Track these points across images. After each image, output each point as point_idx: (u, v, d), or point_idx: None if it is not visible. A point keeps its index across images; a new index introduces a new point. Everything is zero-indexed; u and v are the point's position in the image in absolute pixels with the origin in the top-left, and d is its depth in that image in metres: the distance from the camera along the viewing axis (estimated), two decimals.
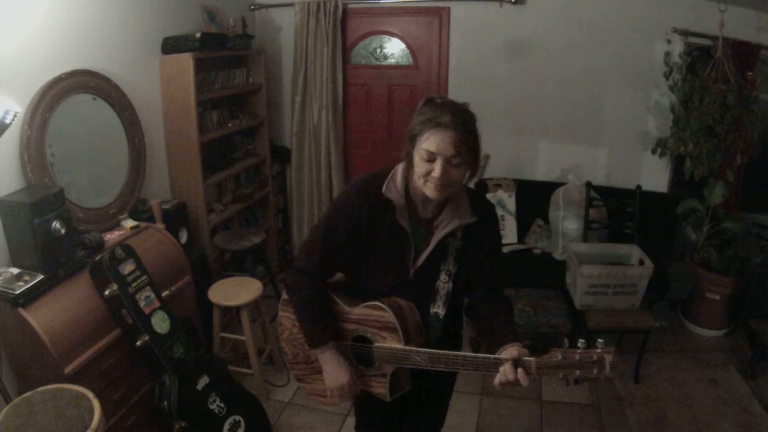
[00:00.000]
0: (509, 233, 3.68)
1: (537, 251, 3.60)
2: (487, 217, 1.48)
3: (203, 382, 2.26)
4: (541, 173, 3.91)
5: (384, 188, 1.42)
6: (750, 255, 3.33)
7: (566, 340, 1.26)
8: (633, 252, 3.14)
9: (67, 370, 1.94)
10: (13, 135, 2.13)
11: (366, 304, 1.48)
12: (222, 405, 2.30)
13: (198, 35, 3.01)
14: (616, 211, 3.49)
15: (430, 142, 1.29)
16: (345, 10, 3.81)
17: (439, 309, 1.48)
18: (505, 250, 3.61)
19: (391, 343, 1.44)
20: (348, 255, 1.49)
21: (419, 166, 1.33)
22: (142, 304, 2.15)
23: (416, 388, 1.59)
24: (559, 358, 1.22)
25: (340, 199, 1.52)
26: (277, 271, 4.20)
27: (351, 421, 2.67)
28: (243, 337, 2.75)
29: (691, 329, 3.46)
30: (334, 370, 1.52)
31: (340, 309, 1.54)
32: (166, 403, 2.13)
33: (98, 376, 2.07)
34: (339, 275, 1.64)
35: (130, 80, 2.75)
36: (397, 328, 1.42)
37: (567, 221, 3.48)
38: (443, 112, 1.30)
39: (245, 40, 3.60)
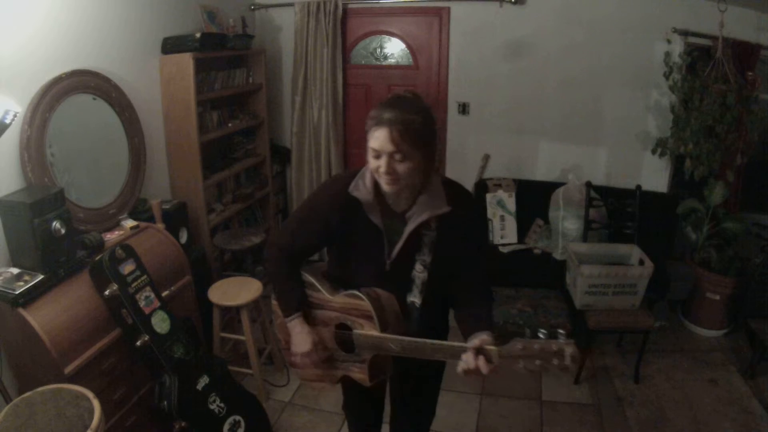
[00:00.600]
0: (509, 233, 3.68)
1: (537, 251, 3.60)
2: (462, 208, 1.48)
3: (203, 382, 2.26)
4: (541, 173, 3.91)
5: (351, 187, 1.48)
6: (750, 255, 3.33)
7: (528, 331, 1.28)
8: (633, 252, 3.14)
9: (67, 370, 1.94)
10: (13, 135, 2.13)
11: (346, 293, 1.54)
12: (222, 405, 2.30)
13: (198, 35, 3.01)
14: (616, 211, 3.49)
15: (373, 139, 1.37)
16: (345, 10, 3.81)
17: (415, 298, 1.51)
18: (504, 250, 3.61)
19: (369, 331, 1.48)
20: (320, 244, 1.62)
21: (371, 162, 1.41)
22: (142, 304, 2.15)
23: (403, 377, 1.64)
24: (520, 347, 1.24)
25: (315, 196, 1.61)
26: None
27: None
28: (243, 337, 2.75)
29: (691, 329, 3.46)
30: (299, 337, 1.59)
31: (323, 297, 1.59)
32: (166, 403, 2.13)
33: (98, 376, 2.07)
34: (323, 265, 1.71)
35: (130, 80, 2.75)
36: (374, 316, 1.46)
37: (567, 221, 3.48)
38: (386, 109, 1.35)
39: (245, 40, 3.60)
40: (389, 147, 1.33)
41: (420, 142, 1.35)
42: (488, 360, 1.28)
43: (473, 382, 2.95)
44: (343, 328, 1.57)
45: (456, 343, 1.35)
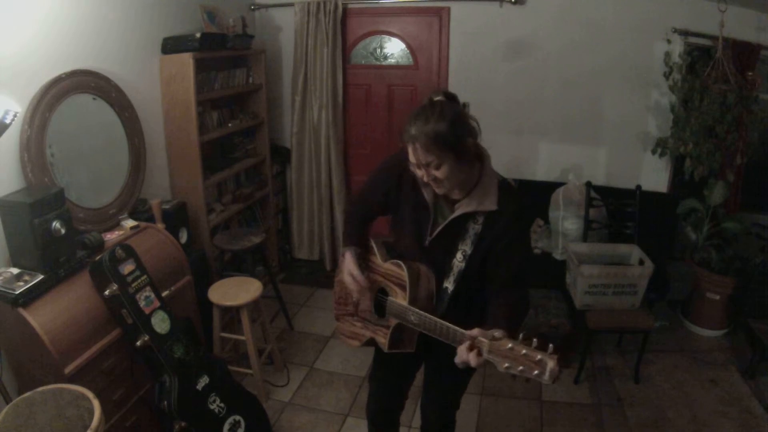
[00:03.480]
0: None
1: (537, 251, 3.60)
2: (509, 212, 1.54)
3: (203, 382, 2.26)
4: (541, 173, 3.91)
5: (412, 165, 1.55)
6: (750, 255, 3.33)
7: (521, 335, 1.28)
8: (633, 252, 3.14)
9: (67, 370, 1.94)
10: (13, 135, 2.13)
11: (392, 261, 1.66)
12: (222, 405, 2.30)
13: (198, 35, 3.01)
14: (616, 211, 3.48)
15: (410, 154, 1.47)
16: (345, 10, 3.81)
17: (449, 284, 1.60)
18: None
19: (400, 300, 1.59)
20: (379, 206, 1.76)
21: (415, 171, 1.51)
22: (142, 304, 2.15)
23: (430, 351, 1.72)
24: (509, 347, 1.26)
25: (383, 161, 1.77)
26: (277, 271, 4.20)
27: (351, 421, 2.68)
28: (243, 337, 2.76)
29: (691, 329, 3.46)
30: (347, 262, 1.74)
31: (376, 261, 1.75)
32: (166, 403, 2.13)
33: (98, 376, 2.07)
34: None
35: (130, 80, 2.75)
36: (407, 286, 1.56)
37: (567, 221, 3.48)
38: (413, 123, 1.44)
39: (245, 40, 3.60)
40: (424, 159, 1.44)
41: (449, 147, 1.42)
42: (479, 353, 1.31)
43: (474, 382, 2.94)
44: (382, 292, 1.70)
45: (457, 328, 1.41)
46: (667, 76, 3.33)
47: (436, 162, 1.43)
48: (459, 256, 1.57)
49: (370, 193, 1.79)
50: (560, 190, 3.56)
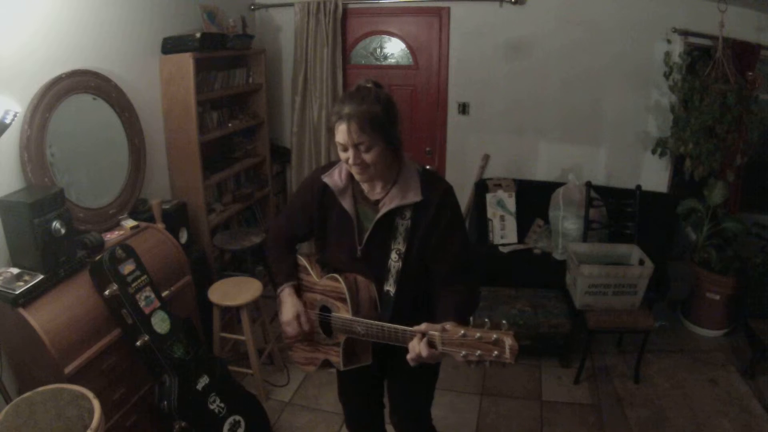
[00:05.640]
0: (509, 233, 3.68)
1: (537, 251, 3.60)
2: (435, 199, 1.50)
3: (203, 382, 2.26)
4: (541, 173, 3.91)
5: (325, 174, 1.57)
6: (750, 255, 3.33)
7: (471, 319, 1.25)
8: (633, 252, 3.14)
9: (67, 370, 1.94)
10: (13, 135, 2.13)
11: (328, 276, 1.59)
12: (222, 405, 2.30)
13: (198, 35, 3.01)
14: (616, 211, 3.48)
15: (337, 134, 1.43)
16: (345, 10, 3.81)
17: (390, 287, 1.53)
18: (504, 250, 3.61)
19: (343, 313, 1.52)
20: (306, 227, 1.68)
21: (341, 155, 1.47)
22: (142, 304, 2.15)
23: (388, 364, 1.67)
24: (461, 334, 1.22)
25: (300, 184, 1.74)
26: None
27: None
28: (243, 337, 2.76)
29: (691, 329, 3.46)
30: (284, 306, 1.66)
31: (311, 280, 1.67)
32: (166, 403, 2.13)
33: (98, 376, 2.07)
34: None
35: (130, 80, 2.75)
36: (347, 298, 1.50)
37: (567, 221, 3.48)
38: (343, 103, 1.42)
39: (245, 40, 3.61)
40: (353, 139, 1.40)
41: (381, 130, 1.41)
42: (431, 346, 1.28)
43: (474, 382, 2.95)
44: (325, 310, 1.62)
45: (406, 328, 1.37)
46: (667, 76, 3.34)
47: (368, 143, 1.40)
48: (394, 256, 1.51)
49: (296, 217, 1.70)
50: (560, 190, 3.57)
